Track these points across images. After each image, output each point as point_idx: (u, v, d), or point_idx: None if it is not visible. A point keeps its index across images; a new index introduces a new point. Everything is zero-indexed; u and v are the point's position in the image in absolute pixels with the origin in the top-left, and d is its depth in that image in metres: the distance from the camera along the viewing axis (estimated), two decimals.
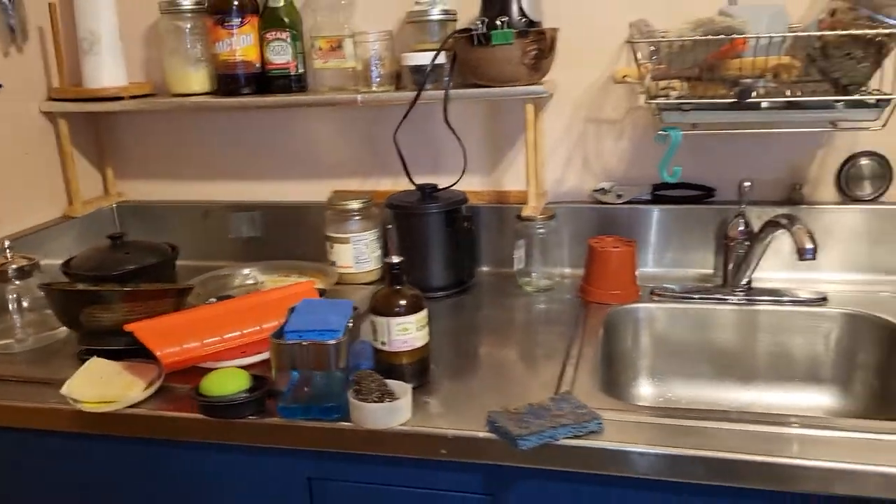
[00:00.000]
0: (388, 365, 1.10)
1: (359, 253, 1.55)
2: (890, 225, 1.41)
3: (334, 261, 1.56)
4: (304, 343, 1.03)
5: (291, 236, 1.70)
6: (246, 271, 1.60)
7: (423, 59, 1.43)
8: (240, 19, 1.52)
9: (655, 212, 1.51)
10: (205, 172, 1.77)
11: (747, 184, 1.37)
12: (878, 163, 1.43)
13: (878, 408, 1.27)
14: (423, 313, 1.10)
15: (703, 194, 1.51)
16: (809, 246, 1.17)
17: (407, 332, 1.09)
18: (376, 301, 1.09)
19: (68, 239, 1.64)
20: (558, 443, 0.97)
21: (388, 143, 1.56)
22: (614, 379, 1.37)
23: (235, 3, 1.51)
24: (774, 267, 1.46)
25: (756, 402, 1.37)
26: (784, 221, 1.23)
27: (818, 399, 1.35)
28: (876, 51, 1.14)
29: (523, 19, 1.36)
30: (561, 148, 1.58)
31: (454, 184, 1.54)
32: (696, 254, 1.50)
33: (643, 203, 1.53)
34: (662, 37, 1.20)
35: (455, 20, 1.49)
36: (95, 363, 1.19)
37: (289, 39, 1.53)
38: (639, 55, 1.27)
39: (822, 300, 1.35)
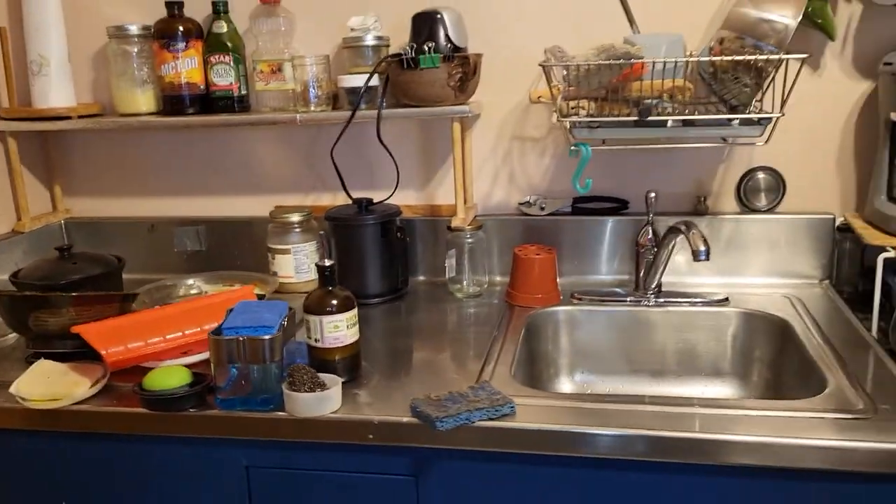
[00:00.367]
0: (321, 361, 1.18)
1: (299, 263, 1.63)
2: (783, 233, 1.56)
3: (276, 271, 1.64)
4: (240, 338, 1.11)
5: (235, 250, 1.78)
6: (190, 281, 1.67)
7: (358, 80, 1.53)
8: (184, 44, 1.61)
9: (575, 223, 1.63)
10: (151, 189, 1.83)
11: (653, 195, 1.50)
12: (772, 176, 1.57)
13: (772, 397, 1.40)
14: (354, 312, 1.19)
15: (618, 206, 1.64)
16: (703, 248, 1.30)
17: (338, 330, 1.18)
18: (310, 301, 1.18)
19: (16, 253, 1.69)
20: (475, 425, 1.06)
21: (327, 159, 1.66)
22: (536, 375, 1.48)
23: (181, 28, 1.61)
24: (683, 272, 1.60)
25: (667, 394, 1.49)
26: (682, 228, 1.36)
27: (721, 390, 1.47)
28: (757, 74, 1.28)
29: (449, 45, 1.48)
30: (489, 164, 1.69)
31: (388, 198, 1.63)
32: (612, 261, 1.63)
33: (564, 215, 1.65)
34: (571, 61, 1.33)
35: (388, 45, 1.60)
36: (43, 365, 1.24)
37: (232, 63, 1.62)
38: (552, 78, 1.40)
39: (725, 301, 1.49)
